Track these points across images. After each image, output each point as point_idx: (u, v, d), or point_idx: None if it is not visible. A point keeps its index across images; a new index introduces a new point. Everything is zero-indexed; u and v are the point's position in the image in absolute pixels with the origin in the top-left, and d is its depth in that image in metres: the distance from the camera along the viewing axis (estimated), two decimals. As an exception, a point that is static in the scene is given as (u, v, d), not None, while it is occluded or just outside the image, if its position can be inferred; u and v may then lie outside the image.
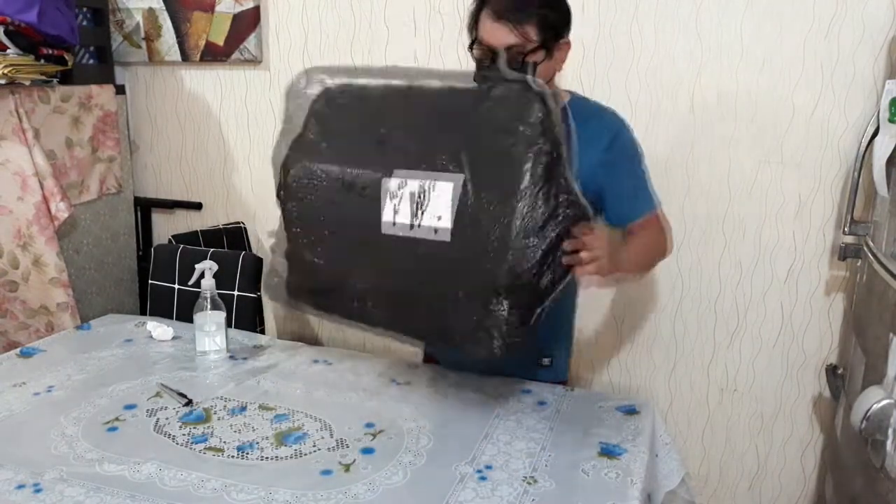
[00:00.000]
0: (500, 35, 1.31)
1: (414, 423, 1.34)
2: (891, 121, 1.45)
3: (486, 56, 1.34)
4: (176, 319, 1.98)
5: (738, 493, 2.13)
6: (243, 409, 1.39)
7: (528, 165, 1.13)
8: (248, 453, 1.22)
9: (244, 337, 1.78)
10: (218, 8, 2.29)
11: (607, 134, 1.43)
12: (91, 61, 2.39)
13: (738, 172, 1.93)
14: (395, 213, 1.21)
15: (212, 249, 2.09)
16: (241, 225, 2.41)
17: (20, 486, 1.12)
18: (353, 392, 1.47)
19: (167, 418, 1.34)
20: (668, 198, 1.99)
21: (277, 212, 2.48)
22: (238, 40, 2.30)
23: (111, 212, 2.42)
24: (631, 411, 1.41)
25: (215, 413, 1.36)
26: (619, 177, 1.44)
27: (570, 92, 1.49)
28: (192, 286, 1.83)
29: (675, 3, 1.88)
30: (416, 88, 1.33)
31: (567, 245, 1.17)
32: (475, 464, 1.20)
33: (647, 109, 1.97)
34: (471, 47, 1.38)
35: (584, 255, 1.17)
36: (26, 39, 1.97)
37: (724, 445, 2.11)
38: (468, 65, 2.07)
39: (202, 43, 2.34)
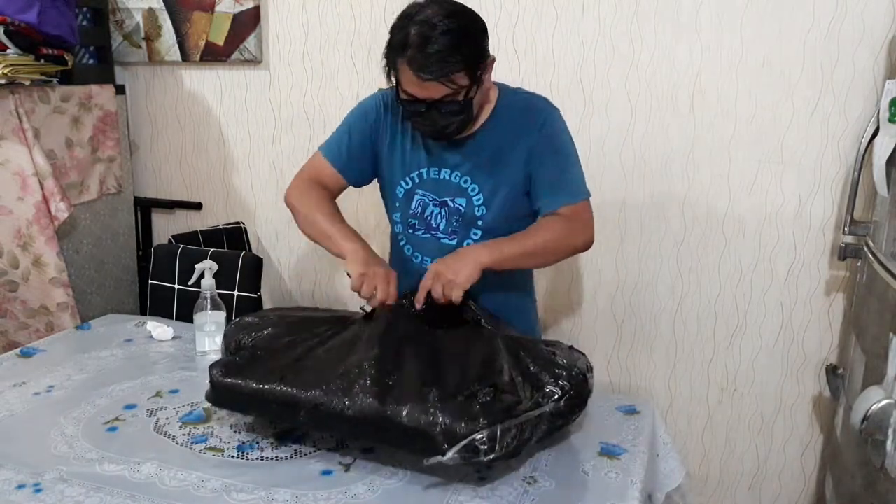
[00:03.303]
0: (430, 91, 1.30)
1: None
2: (891, 121, 1.45)
3: (418, 104, 1.33)
4: (176, 319, 1.98)
5: (738, 493, 2.13)
6: (243, 409, 1.38)
7: None
8: (247, 453, 1.22)
9: (244, 337, 1.77)
10: (218, 8, 2.29)
11: (537, 122, 1.44)
12: (91, 61, 2.39)
13: (738, 172, 1.93)
14: None
15: (212, 249, 2.09)
16: (241, 225, 2.41)
17: (20, 486, 1.12)
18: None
19: (167, 418, 1.34)
20: (669, 198, 2.00)
21: (277, 212, 2.49)
22: (238, 40, 2.30)
23: (111, 212, 2.42)
24: (631, 411, 1.41)
25: (215, 413, 1.36)
26: (543, 165, 1.44)
27: (499, 85, 1.49)
28: (192, 286, 1.83)
29: (675, 3, 1.88)
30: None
31: (418, 303, 1.33)
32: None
33: (647, 109, 1.97)
34: (397, 93, 1.35)
35: (423, 287, 1.32)
36: (26, 39, 1.97)
37: (724, 445, 2.11)
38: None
39: (202, 43, 2.34)
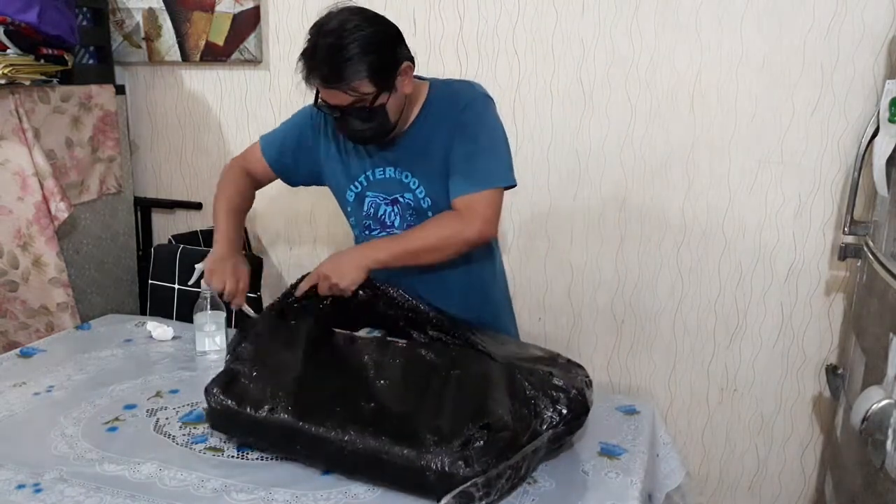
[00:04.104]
0: (337, 98, 1.33)
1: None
2: (891, 121, 1.45)
3: (333, 110, 1.36)
4: (176, 319, 1.98)
5: (738, 493, 2.13)
6: (243, 409, 1.38)
7: None
8: (247, 453, 1.22)
9: (244, 337, 1.77)
10: (218, 8, 2.29)
11: (458, 106, 1.43)
12: (91, 61, 2.39)
13: (738, 172, 1.93)
14: None
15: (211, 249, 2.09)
16: (241, 225, 2.41)
17: (20, 486, 1.11)
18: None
19: (167, 418, 1.34)
20: (669, 198, 2.00)
21: (277, 212, 2.49)
22: (238, 40, 2.30)
23: (111, 212, 2.42)
24: (631, 411, 1.41)
25: (215, 413, 1.36)
26: (454, 151, 1.41)
27: (429, 79, 1.50)
28: (192, 286, 1.83)
29: (675, 3, 1.88)
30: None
31: (299, 291, 1.41)
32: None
33: (647, 109, 1.97)
34: (315, 102, 1.39)
35: (321, 291, 1.39)
36: (26, 39, 1.97)
37: (724, 445, 2.11)
38: (467, 64, 2.08)
39: (202, 43, 2.34)
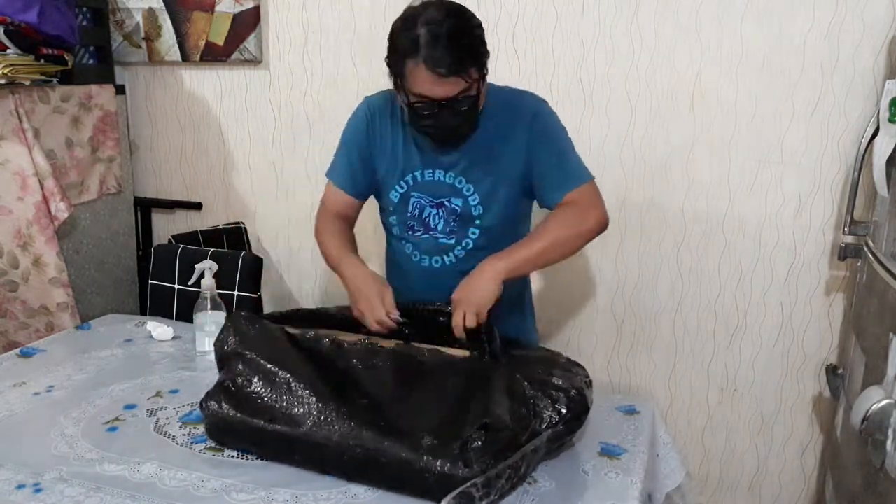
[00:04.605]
0: (447, 88, 1.30)
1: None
2: (891, 121, 1.45)
3: (430, 105, 1.33)
4: (176, 319, 1.98)
5: (738, 493, 2.13)
6: (243, 409, 1.38)
7: None
8: (247, 453, 1.22)
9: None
10: (218, 8, 2.29)
11: (527, 115, 1.44)
12: (91, 61, 2.39)
13: (738, 172, 1.93)
14: None
15: (212, 249, 2.09)
16: (241, 225, 2.41)
17: (20, 486, 1.12)
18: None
19: (167, 418, 1.34)
20: (669, 198, 2.00)
21: (277, 212, 2.49)
22: (238, 40, 2.30)
23: (111, 212, 2.42)
24: (631, 411, 1.41)
25: (215, 413, 1.36)
26: (540, 160, 1.44)
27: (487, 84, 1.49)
28: (192, 286, 1.83)
29: (675, 3, 1.88)
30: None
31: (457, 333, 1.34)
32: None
33: (647, 109, 1.97)
34: (406, 98, 1.34)
35: (457, 326, 1.33)
36: (26, 39, 1.97)
37: (724, 445, 2.11)
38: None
39: (202, 43, 2.34)
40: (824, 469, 1.99)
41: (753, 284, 1.98)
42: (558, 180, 1.44)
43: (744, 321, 2.01)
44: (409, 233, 1.54)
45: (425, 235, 1.52)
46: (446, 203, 1.49)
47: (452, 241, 1.51)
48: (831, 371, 1.80)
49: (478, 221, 1.48)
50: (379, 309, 1.37)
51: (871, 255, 1.52)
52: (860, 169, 1.66)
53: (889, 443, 1.12)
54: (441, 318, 1.38)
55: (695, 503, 2.12)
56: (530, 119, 1.44)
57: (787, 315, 1.97)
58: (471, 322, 1.32)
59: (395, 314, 1.38)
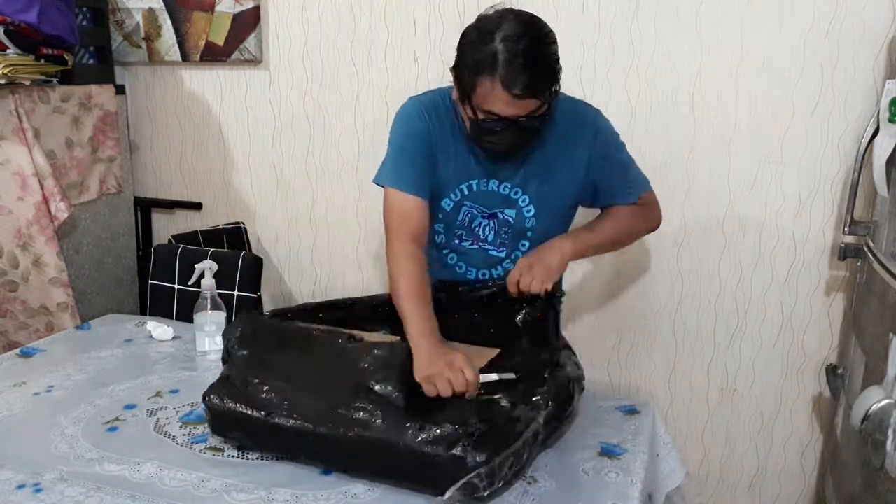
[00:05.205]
0: (519, 108, 1.25)
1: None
2: (891, 121, 1.45)
3: (496, 124, 1.28)
4: (176, 319, 1.98)
5: (738, 493, 2.13)
6: (243, 409, 1.38)
7: None
8: (247, 453, 1.22)
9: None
10: (218, 8, 2.29)
11: (590, 128, 1.45)
12: (91, 61, 2.39)
13: (738, 172, 1.93)
14: None
15: (212, 249, 2.09)
16: (241, 225, 2.41)
17: (20, 486, 1.12)
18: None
19: (167, 418, 1.34)
20: (668, 198, 1.99)
21: (277, 212, 2.49)
22: (238, 40, 2.30)
23: (111, 212, 2.42)
24: (631, 411, 1.41)
25: (215, 413, 1.36)
26: (609, 167, 1.46)
27: None
28: (192, 286, 1.83)
29: (675, 3, 1.88)
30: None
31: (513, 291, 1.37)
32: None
33: (647, 109, 1.97)
34: (473, 112, 1.29)
35: (512, 283, 1.36)
36: (26, 39, 1.97)
37: (724, 445, 2.11)
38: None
39: (202, 43, 2.34)
40: (824, 469, 1.99)
41: (753, 284, 1.98)
42: (629, 189, 1.49)
43: (744, 321, 2.01)
44: (456, 241, 1.51)
45: (474, 246, 1.50)
46: (499, 214, 1.47)
47: (503, 254, 1.50)
48: (831, 371, 1.80)
49: (530, 234, 1.48)
50: (462, 387, 1.18)
51: (871, 255, 1.52)
52: (860, 169, 1.66)
53: (889, 443, 1.13)
54: (484, 291, 1.42)
55: (695, 503, 2.12)
56: (592, 135, 1.44)
57: (787, 315, 1.97)
58: (537, 287, 1.34)
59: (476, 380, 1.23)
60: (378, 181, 1.45)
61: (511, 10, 1.28)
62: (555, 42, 1.28)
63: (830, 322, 1.94)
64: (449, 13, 2.06)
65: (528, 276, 1.35)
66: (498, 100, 1.24)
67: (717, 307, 2.03)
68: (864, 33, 1.75)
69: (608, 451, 1.25)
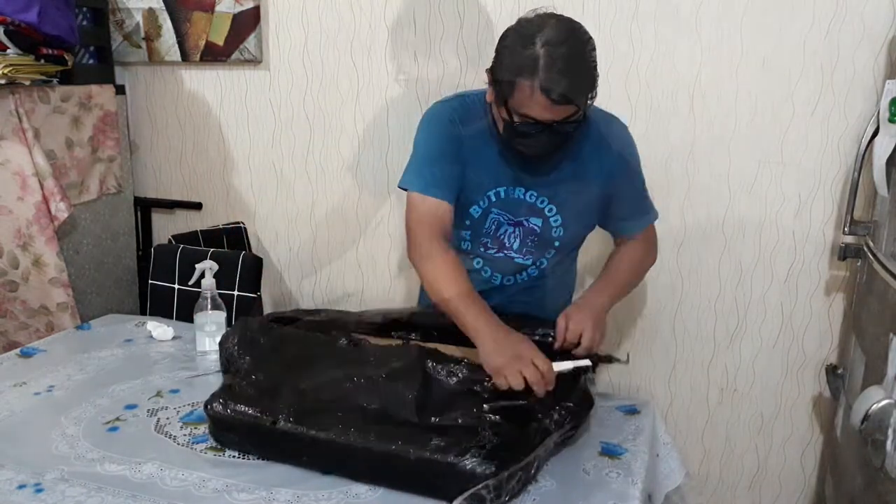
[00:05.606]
0: (556, 113, 1.25)
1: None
2: (891, 121, 1.45)
3: (534, 126, 1.27)
4: (176, 319, 1.98)
5: (738, 493, 2.13)
6: (244, 409, 1.38)
7: None
8: (248, 454, 1.22)
9: (244, 337, 1.77)
10: (218, 8, 2.29)
11: (616, 144, 1.45)
12: (91, 61, 2.38)
13: (738, 172, 1.93)
14: None
15: (212, 249, 2.09)
16: (241, 225, 2.41)
17: (21, 486, 1.12)
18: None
19: (168, 418, 1.34)
20: (668, 198, 1.99)
21: (277, 212, 2.49)
22: (238, 40, 2.30)
23: (111, 212, 2.42)
24: (631, 411, 1.41)
25: (216, 413, 1.36)
26: (624, 189, 1.48)
27: None
28: (192, 286, 1.84)
29: (675, 3, 1.88)
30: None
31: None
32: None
33: (647, 109, 1.97)
34: (498, 104, 1.29)
35: (562, 331, 1.38)
36: (26, 39, 1.97)
37: (724, 445, 2.11)
38: (467, 65, 2.07)
39: (202, 43, 2.34)
40: (824, 469, 1.99)
41: (753, 284, 1.98)
42: (638, 214, 1.53)
43: (744, 321, 2.01)
44: (482, 249, 1.51)
45: (500, 254, 1.50)
46: (524, 223, 1.47)
47: (529, 262, 1.51)
48: (831, 371, 1.80)
49: (556, 243, 1.48)
50: (539, 383, 1.18)
51: (871, 255, 1.52)
52: (860, 169, 1.66)
53: (889, 443, 1.13)
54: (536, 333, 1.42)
55: (695, 503, 2.12)
56: (619, 149, 1.45)
57: (787, 315, 1.97)
58: (596, 342, 1.38)
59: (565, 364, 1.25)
60: (402, 185, 1.43)
61: (553, 15, 1.27)
62: (594, 49, 1.27)
63: (830, 322, 1.94)
64: (449, 13, 2.06)
65: (587, 331, 1.37)
66: (536, 104, 1.23)
67: (717, 307, 2.03)
68: (864, 33, 1.75)
69: (609, 451, 1.26)
